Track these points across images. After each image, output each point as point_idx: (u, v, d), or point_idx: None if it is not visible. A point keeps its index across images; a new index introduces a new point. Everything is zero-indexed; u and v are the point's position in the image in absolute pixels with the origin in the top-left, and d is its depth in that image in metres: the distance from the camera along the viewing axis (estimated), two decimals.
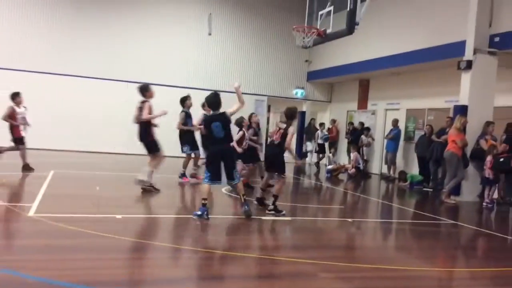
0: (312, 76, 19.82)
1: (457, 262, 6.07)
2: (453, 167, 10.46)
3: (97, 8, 17.19)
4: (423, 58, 13.20)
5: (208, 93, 7.28)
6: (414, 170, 13.99)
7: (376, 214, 9.60)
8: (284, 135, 7.51)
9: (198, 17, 18.15)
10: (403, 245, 6.87)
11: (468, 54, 10.88)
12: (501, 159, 9.91)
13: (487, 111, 10.87)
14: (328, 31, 11.89)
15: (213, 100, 7.03)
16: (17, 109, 10.53)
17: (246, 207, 7.07)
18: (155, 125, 8.97)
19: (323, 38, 12.10)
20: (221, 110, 7.00)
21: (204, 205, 6.75)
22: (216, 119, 6.91)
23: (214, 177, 6.90)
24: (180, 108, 10.56)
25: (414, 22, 13.82)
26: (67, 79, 16.52)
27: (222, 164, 6.92)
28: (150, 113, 8.66)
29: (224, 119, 6.91)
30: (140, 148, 9.06)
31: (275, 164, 7.73)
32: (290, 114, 7.65)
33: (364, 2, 11.24)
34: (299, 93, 19.75)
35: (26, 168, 10.46)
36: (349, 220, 7.91)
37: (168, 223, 6.89)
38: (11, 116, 10.45)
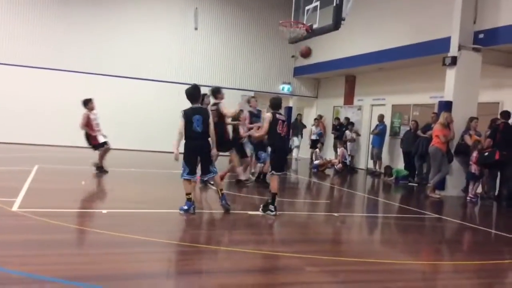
0: (299, 71, 19.84)
1: (441, 256, 6.14)
2: (437, 162, 10.58)
3: (82, 3, 16.99)
4: (408, 54, 13.31)
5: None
6: (400, 165, 14.13)
7: (362, 208, 9.66)
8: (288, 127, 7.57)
9: (184, 11, 18.06)
10: (388, 239, 6.93)
11: (453, 51, 10.98)
12: (486, 154, 10.04)
13: (471, 107, 11.00)
14: (315, 26, 11.90)
15: (192, 93, 6.92)
16: (92, 116, 10.27)
17: (223, 201, 7.04)
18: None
19: (310, 33, 12.11)
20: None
21: (189, 199, 6.72)
22: (197, 113, 6.84)
23: (192, 172, 6.86)
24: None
25: (399, 18, 13.91)
26: (52, 73, 16.36)
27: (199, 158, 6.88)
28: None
29: (205, 113, 6.86)
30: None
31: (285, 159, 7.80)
32: (276, 104, 7.59)
33: None
34: (285, 88, 19.77)
35: (100, 169, 10.35)
36: (335, 214, 7.95)
37: (154, 218, 6.85)
38: (87, 124, 10.23)
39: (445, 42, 11.29)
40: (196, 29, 17.90)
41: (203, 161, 6.89)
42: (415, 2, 13.32)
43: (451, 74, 11.06)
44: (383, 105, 15.99)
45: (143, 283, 3.96)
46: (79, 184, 8.78)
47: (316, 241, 6.12)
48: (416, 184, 12.60)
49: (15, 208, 6.29)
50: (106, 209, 6.61)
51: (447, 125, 10.61)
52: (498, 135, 10.10)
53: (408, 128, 13.73)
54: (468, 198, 10.33)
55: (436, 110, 12.03)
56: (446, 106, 10.94)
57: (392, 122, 15.48)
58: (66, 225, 5.58)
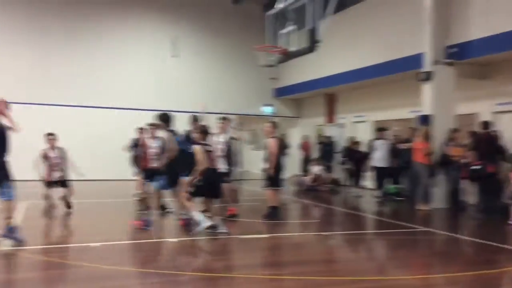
0: (280, 92, 20.08)
1: (434, 268, 6.20)
2: (423, 176, 10.76)
3: (62, 35, 17.07)
4: (384, 71, 13.64)
5: (176, 114, 7.49)
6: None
7: (351, 226, 9.73)
8: None
9: (162, 40, 18.25)
10: (381, 255, 6.99)
11: (426, 66, 11.28)
12: (476, 167, 10.06)
13: (449, 119, 11.23)
14: (291, 49, 12.11)
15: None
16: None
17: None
18: None
19: (286, 56, 12.33)
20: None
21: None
22: None
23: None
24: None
25: (373, 37, 14.27)
26: (36, 108, 16.16)
27: None
28: None
29: None
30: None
31: None
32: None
33: (324, 19, 11.51)
34: (268, 110, 19.94)
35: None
36: (325, 233, 8.00)
37: (146, 247, 6.80)
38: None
39: (418, 58, 11.59)
40: (174, 56, 18.07)
41: None
42: (386, 20, 13.69)
43: (427, 88, 11.32)
44: (364, 121, 16.25)
45: None
46: (70, 219, 8.69)
47: (310, 262, 6.14)
48: (402, 199, 12.70)
49: (5, 247, 6.20)
50: (98, 242, 6.54)
51: (427, 138, 10.83)
52: (482, 145, 10.21)
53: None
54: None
55: (416, 124, 12.26)
56: (426, 119, 11.17)
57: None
58: (58, 261, 5.52)
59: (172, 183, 8.03)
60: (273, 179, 8.95)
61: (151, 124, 9.66)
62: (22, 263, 5.75)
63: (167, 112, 8.41)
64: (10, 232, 6.22)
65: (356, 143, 14.44)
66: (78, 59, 17.25)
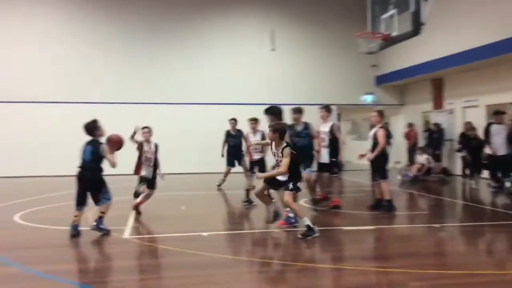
0: (381, 80, 19.43)
1: None
2: None
3: (164, 34, 18.02)
4: (501, 50, 12.51)
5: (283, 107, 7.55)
6: None
7: (463, 217, 9.19)
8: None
9: (260, 34, 18.55)
10: (496, 248, 6.54)
11: None
12: None
13: None
14: (393, 34, 11.70)
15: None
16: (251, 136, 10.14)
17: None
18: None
19: (389, 41, 11.93)
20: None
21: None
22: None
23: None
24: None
25: (485, 14, 13.18)
26: (136, 107, 17.19)
27: None
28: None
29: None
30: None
31: None
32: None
33: (428, 1, 10.92)
34: (368, 98, 19.41)
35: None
36: (436, 225, 7.66)
37: (254, 238, 7.07)
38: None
39: None
40: (273, 50, 18.29)
41: None
42: None
43: None
44: (476, 106, 15.14)
45: None
46: (179, 210, 9.29)
47: (418, 255, 5.93)
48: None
49: (126, 235, 6.84)
50: (207, 231, 6.93)
51: None
52: None
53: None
54: None
55: None
56: None
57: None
58: (173, 249, 5.97)
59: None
60: (383, 171, 8.69)
61: (252, 119, 9.98)
62: (143, 251, 6.31)
63: (277, 105, 8.21)
64: (99, 224, 6.76)
65: (472, 129, 13.29)
66: (178, 57, 18.01)
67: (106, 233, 6.77)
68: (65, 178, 11.98)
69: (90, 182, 6.73)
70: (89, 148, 6.75)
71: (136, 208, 8.40)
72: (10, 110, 16.55)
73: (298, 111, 8.67)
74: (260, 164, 9.62)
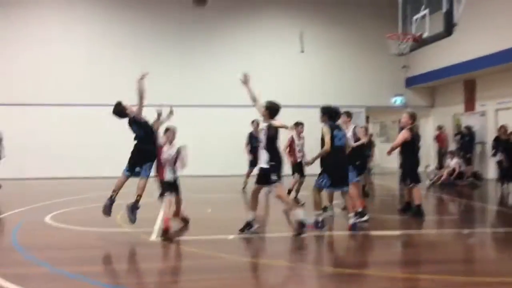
0: (411, 81, 19.10)
1: None
2: None
3: (193, 38, 18.19)
4: None
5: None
6: None
7: (494, 223, 8.93)
8: None
9: (290, 35, 18.49)
10: None
11: None
12: None
13: None
14: (425, 35, 11.46)
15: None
16: (296, 141, 10.22)
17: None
18: None
19: (420, 43, 11.70)
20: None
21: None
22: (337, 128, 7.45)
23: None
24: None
25: None
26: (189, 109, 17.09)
27: None
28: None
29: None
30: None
31: None
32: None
33: (461, 0, 10.67)
34: (398, 100, 19.12)
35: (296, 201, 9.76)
36: (464, 231, 7.47)
37: (280, 241, 7.05)
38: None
39: None
40: (302, 51, 18.23)
41: None
42: None
43: None
44: (509, 108, 14.70)
45: None
46: (206, 213, 9.35)
47: (447, 261, 5.80)
48: None
49: (153, 237, 6.93)
50: (232, 234, 6.96)
51: None
52: None
53: None
54: None
55: None
56: None
57: None
58: (199, 251, 6.02)
59: (336, 182, 7.25)
60: (415, 175, 8.50)
61: (296, 123, 10.14)
62: (172, 253, 6.39)
63: (332, 105, 7.74)
64: (133, 209, 6.79)
65: (510, 133, 12.88)
66: (207, 59, 18.18)
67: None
68: (95, 180, 12.21)
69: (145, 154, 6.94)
70: (134, 125, 7.00)
71: (182, 219, 7.82)
72: (55, 112, 17.00)
73: (349, 115, 8.64)
74: (300, 166, 10.09)
